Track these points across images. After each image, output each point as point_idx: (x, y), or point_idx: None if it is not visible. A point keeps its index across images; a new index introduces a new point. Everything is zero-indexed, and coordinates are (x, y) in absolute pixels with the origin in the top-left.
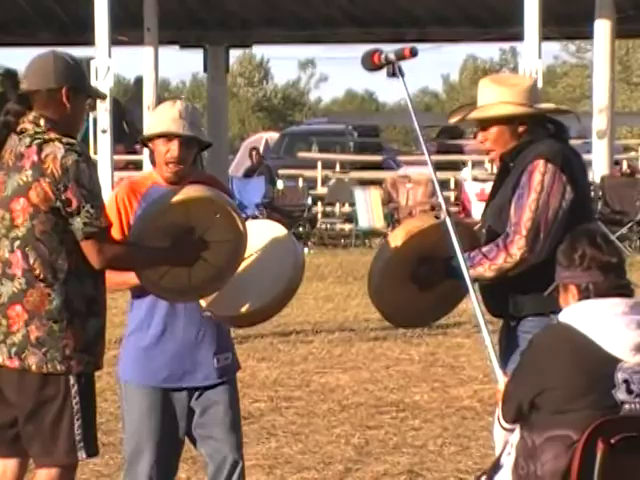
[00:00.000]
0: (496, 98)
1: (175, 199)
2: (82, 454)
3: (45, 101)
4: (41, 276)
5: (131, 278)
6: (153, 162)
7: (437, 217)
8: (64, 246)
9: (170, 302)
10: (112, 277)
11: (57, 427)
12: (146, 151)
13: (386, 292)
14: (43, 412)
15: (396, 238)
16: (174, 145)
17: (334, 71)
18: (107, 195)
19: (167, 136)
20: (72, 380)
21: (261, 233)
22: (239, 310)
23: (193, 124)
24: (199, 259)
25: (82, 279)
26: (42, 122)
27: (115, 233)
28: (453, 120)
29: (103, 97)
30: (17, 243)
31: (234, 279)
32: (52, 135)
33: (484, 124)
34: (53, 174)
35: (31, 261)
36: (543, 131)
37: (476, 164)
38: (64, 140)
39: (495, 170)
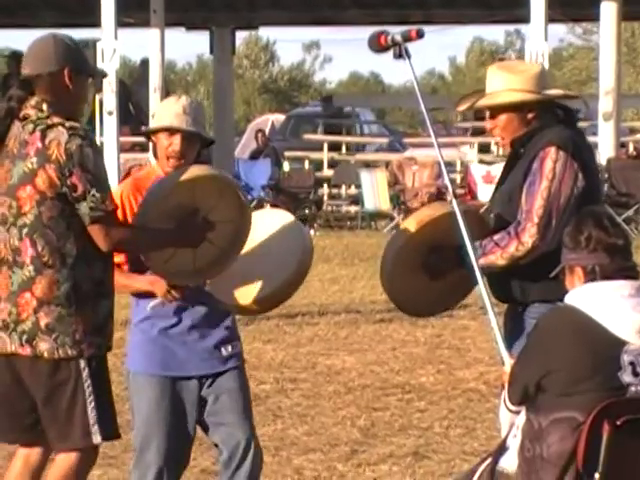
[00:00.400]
0: (504, 85)
1: (180, 179)
2: (97, 437)
3: (47, 85)
4: (49, 262)
5: (135, 284)
6: (156, 155)
7: (445, 199)
8: (72, 231)
9: (176, 284)
10: (120, 281)
11: (71, 411)
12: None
13: (398, 281)
14: (56, 397)
15: (408, 227)
16: (176, 139)
17: (339, 53)
18: (113, 178)
19: (170, 130)
20: (82, 364)
21: (268, 221)
22: (251, 298)
23: (196, 120)
24: (204, 240)
25: (90, 262)
26: (44, 107)
27: (117, 205)
28: (462, 107)
29: (104, 75)
30: (25, 230)
31: (244, 267)
32: (55, 120)
33: (493, 111)
34: (58, 160)
35: (39, 248)
36: (552, 117)
37: (482, 146)
38: (67, 125)
39: (501, 152)
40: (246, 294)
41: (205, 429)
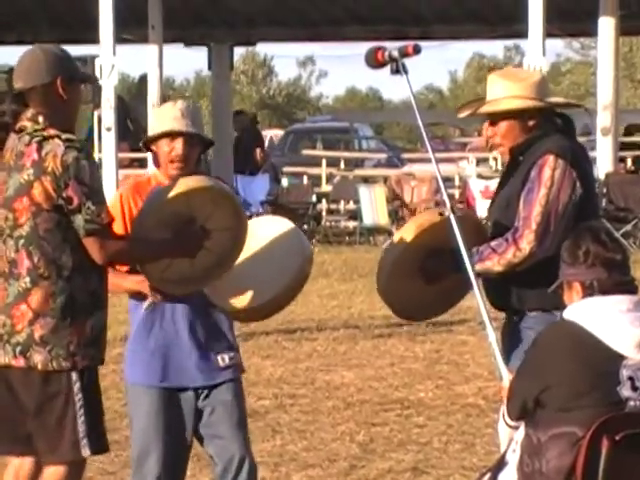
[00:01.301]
0: (505, 92)
1: (175, 190)
2: (86, 451)
3: (42, 96)
4: (45, 274)
5: (125, 284)
6: (157, 164)
7: (441, 214)
8: (67, 243)
9: (174, 294)
10: (114, 281)
11: (60, 424)
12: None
13: (394, 283)
14: (47, 409)
15: (408, 231)
16: (178, 143)
17: (336, 69)
18: (111, 194)
19: (170, 135)
20: (74, 377)
21: (268, 227)
22: (251, 303)
23: (195, 122)
24: (201, 248)
25: (86, 274)
26: (40, 119)
27: (119, 232)
28: (463, 114)
29: (96, 81)
30: (21, 242)
31: (244, 273)
32: (51, 132)
33: (494, 118)
34: (54, 172)
35: (35, 260)
36: (552, 126)
37: (480, 161)
38: (64, 137)
39: (500, 167)
40: (246, 300)
41: (200, 440)
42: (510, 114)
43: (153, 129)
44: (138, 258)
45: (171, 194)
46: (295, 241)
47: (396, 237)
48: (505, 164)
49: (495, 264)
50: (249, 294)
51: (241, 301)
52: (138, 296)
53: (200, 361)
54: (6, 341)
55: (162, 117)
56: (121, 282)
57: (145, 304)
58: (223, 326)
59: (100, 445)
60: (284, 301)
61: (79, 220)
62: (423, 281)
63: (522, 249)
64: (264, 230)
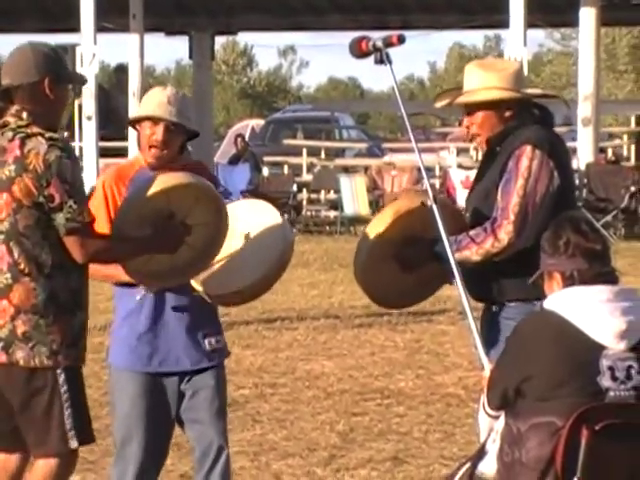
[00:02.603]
0: (483, 83)
1: (155, 187)
2: (74, 443)
3: (28, 95)
4: (26, 270)
5: (119, 274)
6: (140, 145)
7: (424, 204)
8: (47, 241)
9: (155, 287)
10: (100, 269)
11: (48, 417)
12: (131, 137)
13: (371, 270)
14: (33, 404)
15: (384, 217)
16: (159, 129)
17: (316, 58)
18: (92, 182)
19: (153, 119)
20: (59, 371)
21: (248, 211)
22: (231, 287)
23: (181, 112)
24: (182, 244)
25: (67, 273)
26: (24, 115)
27: (101, 221)
28: (439, 104)
29: (84, 82)
30: (1, 237)
31: (225, 259)
32: (35, 130)
33: (470, 109)
34: (36, 169)
35: (16, 256)
36: (529, 116)
37: (461, 151)
38: (47, 135)
39: (480, 157)
40: (225, 284)
41: (180, 423)
42: (487, 105)
43: (139, 110)
44: (119, 256)
45: (151, 191)
46: (275, 224)
47: (373, 224)
48: (482, 155)
49: (473, 254)
50: (229, 278)
51: (220, 286)
52: (129, 289)
53: (187, 344)
54: None
55: (149, 100)
56: (115, 272)
57: (138, 297)
58: (209, 309)
59: (86, 436)
60: (265, 285)
61: (60, 218)
62: (399, 269)
63: (500, 239)
64: (244, 215)
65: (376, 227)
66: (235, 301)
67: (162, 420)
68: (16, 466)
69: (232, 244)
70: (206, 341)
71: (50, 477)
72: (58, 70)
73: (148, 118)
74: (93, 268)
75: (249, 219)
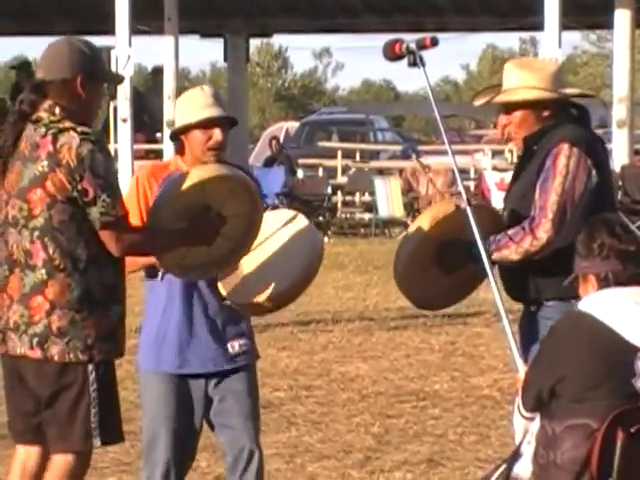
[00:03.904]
0: (521, 82)
1: (190, 180)
2: (97, 441)
3: (60, 91)
4: (61, 266)
5: (138, 259)
6: (180, 152)
7: (457, 206)
8: (82, 235)
9: (192, 280)
10: (135, 258)
11: (73, 414)
12: (166, 140)
13: (412, 275)
14: (61, 399)
15: (422, 223)
16: (217, 131)
17: (350, 60)
18: (127, 185)
19: (206, 124)
20: (90, 368)
21: (279, 221)
22: (256, 297)
23: (225, 107)
24: (218, 236)
25: (102, 267)
26: (57, 110)
27: (134, 217)
28: (478, 103)
29: (120, 81)
30: (36, 234)
31: (253, 268)
32: (67, 124)
33: (509, 108)
34: (69, 164)
35: (50, 251)
36: (567, 116)
37: (496, 153)
38: (79, 129)
39: (515, 160)
40: (253, 294)
41: (211, 427)
42: (525, 104)
43: (184, 118)
44: (155, 249)
45: (186, 184)
46: (305, 235)
47: (411, 229)
48: (520, 154)
49: (512, 253)
50: (255, 288)
51: (245, 295)
52: (153, 272)
53: (211, 348)
54: (23, 331)
55: (194, 105)
56: (133, 259)
57: (159, 277)
58: (235, 313)
59: (112, 436)
60: (290, 297)
61: (94, 212)
62: (439, 272)
63: (539, 238)
64: (274, 225)
65: (414, 233)
66: (260, 311)
67: (188, 423)
68: (36, 463)
69: (260, 253)
70: (229, 345)
71: (68, 473)
72: (92, 68)
73: (208, 121)
74: (129, 260)
75: (279, 228)
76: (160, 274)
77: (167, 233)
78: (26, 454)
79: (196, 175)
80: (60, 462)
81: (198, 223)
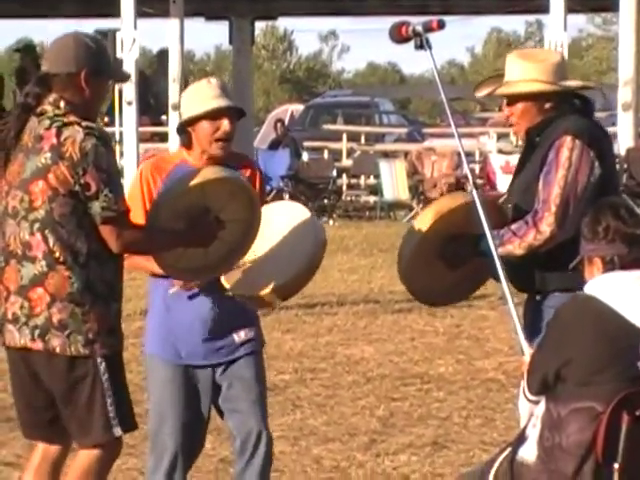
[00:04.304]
0: (523, 74)
1: (191, 182)
2: (117, 430)
3: (64, 84)
4: (61, 259)
5: (153, 266)
6: (186, 145)
7: (464, 189)
8: (83, 229)
9: (189, 282)
10: (137, 261)
11: (91, 407)
12: (172, 123)
13: (415, 271)
14: (76, 394)
15: (426, 217)
16: (225, 121)
17: (356, 43)
18: (132, 167)
19: (213, 115)
20: (99, 359)
21: (281, 214)
22: (260, 289)
23: (232, 98)
24: (216, 239)
25: (103, 263)
26: (62, 104)
27: (137, 210)
28: (480, 94)
29: (126, 79)
30: (37, 225)
31: (256, 261)
32: (71, 118)
33: (510, 99)
34: (72, 157)
35: (51, 244)
36: (569, 107)
37: (501, 136)
38: (83, 124)
39: (520, 142)
40: (256, 286)
41: (220, 413)
42: (527, 96)
43: (192, 110)
44: (153, 248)
45: (187, 185)
46: (307, 227)
47: (414, 224)
48: (522, 145)
49: (516, 247)
50: (258, 280)
51: (248, 287)
52: (158, 275)
53: (216, 340)
54: (24, 323)
55: (201, 97)
56: (151, 265)
57: (172, 290)
58: (239, 303)
59: (129, 423)
60: (293, 290)
61: (96, 207)
62: (444, 267)
63: (542, 232)
64: (277, 217)
65: (419, 226)
66: (263, 303)
67: (194, 411)
68: (56, 456)
69: (263, 245)
70: (235, 335)
71: (95, 465)
72: (97, 63)
73: (209, 114)
74: (128, 260)
75: (281, 221)
76: (172, 290)
77: (166, 233)
78: (45, 449)
79: (198, 176)
80: (86, 456)
81: (197, 225)
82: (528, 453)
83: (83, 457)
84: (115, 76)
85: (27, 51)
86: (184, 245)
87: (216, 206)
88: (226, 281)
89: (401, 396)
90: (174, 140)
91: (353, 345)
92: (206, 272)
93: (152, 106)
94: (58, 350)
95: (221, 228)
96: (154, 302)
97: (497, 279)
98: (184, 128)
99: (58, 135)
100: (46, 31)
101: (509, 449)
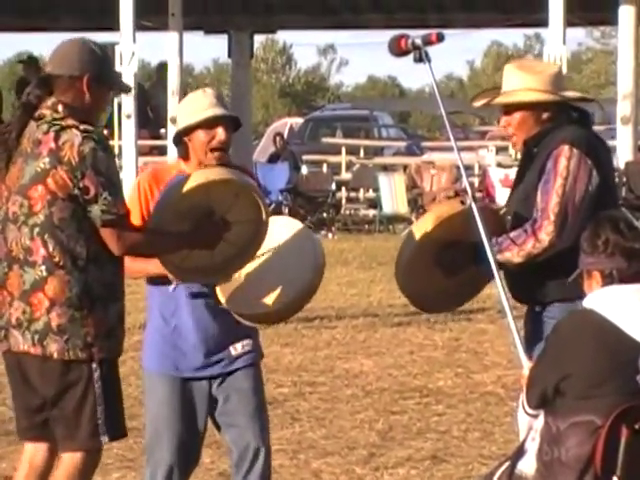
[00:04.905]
0: (521, 84)
1: (195, 182)
2: (105, 438)
3: (66, 87)
4: (61, 263)
5: (149, 268)
6: (183, 156)
7: (462, 202)
8: (82, 233)
9: (192, 283)
10: (131, 265)
11: (80, 412)
12: (170, 136)
13: (413, 276)
14: (66, 397)
15: (425, 223)
16: (220, 130)
17: (355, 57)
18: (131, 181)
19: (209, 124)
20: (94, 365)
21: (281, 231)
22: (257, 309)
23: (227, 108)
24: (221, 240)
25: (101, 266)
26: (60, 108)
27: (135, 220)
28: (477, 104)
29: (128, 90)
30: (36, 230)
31: (253, 278)
32: (70, 122)
33: (508, 109)
34: (70, 161)
35: (50, 248)
36: (567, 118)
37: (500, 150)
38: (82, 127)
39: (519, 156)
40: (253, 305)
41: (217, 427)
42: (524, 106)
43: (187, 119)
44: (156, 250)
45: (191, 186)
46: (307, 249)
47: (413, 229)
48: (520, 156)
49: (514, 255)
50: (255, 300)
51: (246, 305)
52: (156, 281)
53: (213, 353)
54: (26, 328)
55: (196, 106)
56: (145, 266)
57: (170, 288)
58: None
59: (118, 431)
60: (289, 313)
61: (95, 210)
62: (441, 274)
63: (541, 240)
64: (277, 235)
65: (417, 233)
66: (258, 321)
67: (191, 424)
68: (44, 460)
69: (261, 262)
70: (231, 347)
71: (77, 471)
72: (101, 71)
73: (203, 124)
74: (125, 267)
75: (280, 237)
76: (173, 286)
77: (169, 235)
78: (33, 451)
79: (202, 177)
80: (69, 460)
81: (202, 226)
82: (527, 467)
83: (66, 462)
84: (117, 86)
85: (30, 63)
86: (188, 247)
87: (222, 207)
88: (221, 293)
89: (400, 410)
90: (173, 153)
91: (352, 359)
92: (211, 274)
93: (151, 119)
94: (56, 355)
95: (227, 230)
96: (152, 315)
97: (491, 282)
98: (180, 138)
99: (56, 139)
100: (46, 44)
101: (508, 462)
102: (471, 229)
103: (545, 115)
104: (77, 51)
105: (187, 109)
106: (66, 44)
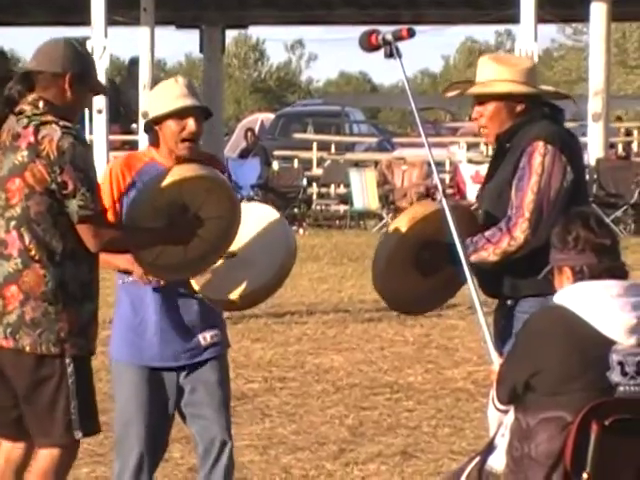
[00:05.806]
0: (495, 75)
1: (169, 179)
2: (78, 433)
3: (47, 84)
4: (36, 257)
5: (119, 262)
6: (154, 144)
7: (434, 199)
8: (59, 228)
9: (166, 280)
10: (102, 256)
11: (53, 407)
12: (142, 131)
13: (390, 278)
14: (39, 392)
15: (400, 224)
16: (191, 121)
17: (327, 52)
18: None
19: (180, 114)
20: (67, 360)
21: (253, 217)
22: (230, 295)
23: (199, 97)
24: (195, 236)
25: (78, 263)
26: (41, 104)
27: (106, 205)
28: (450, 94)
29: (104, 93)
30: (13, 223)
31: (227, 263)
32: (49, 118)
33: (482, 99)
34: (49, 156)
35: (27, 241)
36: (539, 112)
37: (471, 146)
38: (61, 123)
39: (490, 152)
40: (226, 290)
41: (183, 418)
42: (499, 97)
43: (158, 108)
44: (131, 246)
45: (165, 183)
46: (279, 233)
47: (390, 230)
48: (492, 152)
49: (490, 254)
50: (228, 285)
51: (219, 291)
52: (124, 271)
53: (182, 341)
54: None
55: (167, 95)
56: (113, 259)
57: (127, 279)
58: (206, 305)
59: (92, 427)
60: (263, 296)
61: (73, 205)
62: (418, 275)
63: (516, 238)
64: (249, 221)
65: (392, 235)
66: (231, 307)
67: (160, 413)
68: (20, 455)
69: (234, 248)
70: (200, 336)
71: (52, 467)
72: (83, 71)
73: (175, 113)
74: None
75: (253, 226)
76: (123, 280)
77: (144, 231)
78: (10, 447)
79: (174, 173)
80: (45, 456)
81: (176, 222)
82: (497, 462)
83: (42, 458)
84: (96, 88)
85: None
86: (163, 243)
87: (194, 204)
88: (195, 282)
89: (370, 405)
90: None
91: (322, 354)
92: (184, 270)
93: (122, 114)
94: (28, 349)
95: (200, 226)
96: (120, 304)
97: (467, 284)
98: (151, 126)
99: (35, 133)
100: (15, 39)
101: (478, 458)
102: (446, 228)
103: (519, 108)
104: (61, 49)
105: (158, 98)
106: (51, 42)
